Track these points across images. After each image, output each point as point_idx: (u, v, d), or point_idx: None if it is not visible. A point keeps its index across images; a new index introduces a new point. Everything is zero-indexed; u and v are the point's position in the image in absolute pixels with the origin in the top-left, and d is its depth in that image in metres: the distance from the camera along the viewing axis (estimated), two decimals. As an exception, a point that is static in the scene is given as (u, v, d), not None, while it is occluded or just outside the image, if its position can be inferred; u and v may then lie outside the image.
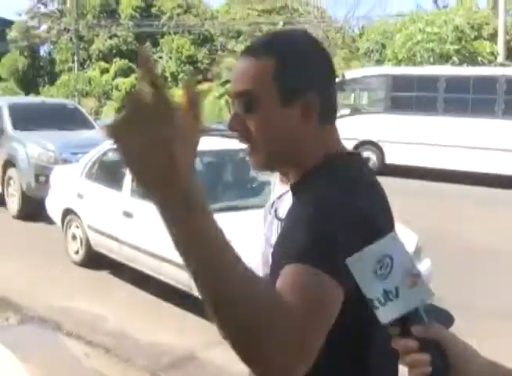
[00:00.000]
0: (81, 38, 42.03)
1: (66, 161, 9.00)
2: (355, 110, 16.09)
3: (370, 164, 9.57)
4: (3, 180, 10.27)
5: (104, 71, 44.62)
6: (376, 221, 1.12)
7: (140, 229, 5.89)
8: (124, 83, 42.71)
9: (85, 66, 45.15)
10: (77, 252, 7.05)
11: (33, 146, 9.69)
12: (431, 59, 20.18)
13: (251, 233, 4.83)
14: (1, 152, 10.37)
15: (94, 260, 6.86)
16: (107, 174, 7.10)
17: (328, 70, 1.25)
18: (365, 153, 14.39)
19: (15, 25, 50.02)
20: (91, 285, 6.47)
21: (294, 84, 1.18)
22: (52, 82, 46.28)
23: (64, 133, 10.51)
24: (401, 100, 15.76)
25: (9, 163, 10.09)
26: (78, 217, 6.93)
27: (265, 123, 1.17)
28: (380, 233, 0.90)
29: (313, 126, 1.19)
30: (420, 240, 5.25)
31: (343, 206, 1.10)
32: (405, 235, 4.83)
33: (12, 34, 49.99)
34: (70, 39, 44.34)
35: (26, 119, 10.63)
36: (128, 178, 6.24)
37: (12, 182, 10.02)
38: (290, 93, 1.17)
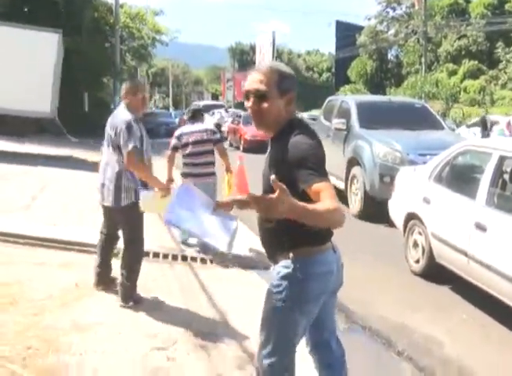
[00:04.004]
0: (428, 40, 41.53)
1: (412, 162, 8.50)
2: None
3: None
4: (347, 178, 10.20)
5: (452, 73, 43.46)
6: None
7: (494, 245, 5.03)
8: (473, 85, 40.84)
9: (432, 68, 44.55)
10: (417, 261, 6.47)
11: (379, 145, 9.42)
12: None
13: None
14: (346, 150, 10.36)
15: (435, 272, 6.19)
16: (458, 179, 6.35)
17: (296, 81, 2.73)
18: None
19: (364, 30, 52.29)
20: (430, 300, 5.82)
21: (285, 87, 2.65)
22: (398, 84, 46.94)
23: (411, 133, 10.08)
24: None
25: (354, 161, 9.99)
26: (422, 223, 6.32)
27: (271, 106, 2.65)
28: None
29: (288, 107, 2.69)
30: None
31: (315, 145, 2.59)
32: None
33: (361, 38, 52.28)
34: (418, 41, 44.27)
35: (372, 117, 10.50)
36: (483, 184, 5.44)
37: (355, 180, 9.89)
38: (284, 91, 2.65)
